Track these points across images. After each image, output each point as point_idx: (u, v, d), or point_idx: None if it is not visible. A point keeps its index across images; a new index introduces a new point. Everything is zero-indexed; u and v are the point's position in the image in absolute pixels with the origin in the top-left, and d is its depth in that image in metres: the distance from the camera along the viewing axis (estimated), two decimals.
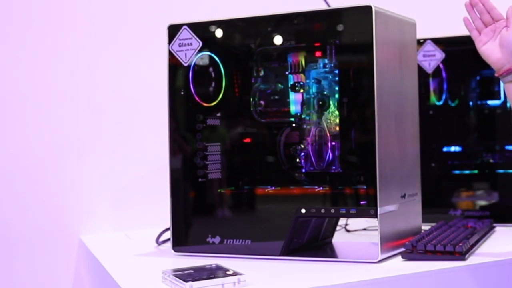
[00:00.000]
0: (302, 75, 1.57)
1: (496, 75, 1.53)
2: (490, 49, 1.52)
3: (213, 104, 1.61)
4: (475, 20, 1.56)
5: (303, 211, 1.51)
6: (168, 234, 1.64)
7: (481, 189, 1.97)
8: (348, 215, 1.51)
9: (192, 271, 1.33)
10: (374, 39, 1.45)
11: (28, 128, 1.91)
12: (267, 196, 1.58)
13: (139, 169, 2.03)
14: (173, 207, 1.62)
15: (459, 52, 2.01)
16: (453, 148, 1.99)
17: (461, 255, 1.44)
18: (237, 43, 1.61)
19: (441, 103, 1.99)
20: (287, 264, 1.49)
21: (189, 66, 1.61)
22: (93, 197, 1.98)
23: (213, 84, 1.61)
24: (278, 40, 1.57)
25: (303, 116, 1.58)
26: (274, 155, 1.58)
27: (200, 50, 1.61)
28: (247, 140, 1.62)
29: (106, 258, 1.63)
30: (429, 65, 1.97)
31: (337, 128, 1.53)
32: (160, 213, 1.76)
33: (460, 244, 1.46)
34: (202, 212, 1.62)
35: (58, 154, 1.94)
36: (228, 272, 1.31)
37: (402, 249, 1.49)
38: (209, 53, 1.61)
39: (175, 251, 1.61)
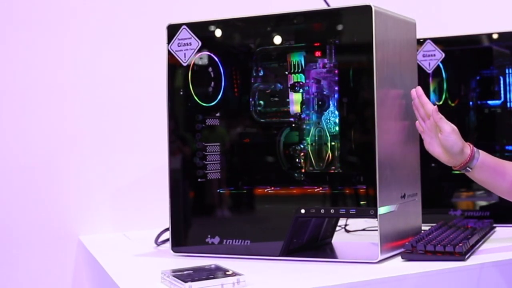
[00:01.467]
0: (301, 75, 1.57)
1: (454, 169, 1.53)
2: (437, 151, 1.52)
3: (212, 104, 1.61)
4: (420, 121, 1.54)
5: (302, 211, 1.51)
6: (167, 235, 1.64)
7: (481, 189, 1.97)
8: (347, 215, 1.50)
9: (191, 271, 1.32)
10: (374, 39, 1.45)
11: (27, 128, 1.91)
12: (267, 196, 1.58)
13: (138, 169, 2.03)
14: (172, 207, 1.61)
15: (459, 52, 2.01)
16: None
17: (461, 256, 1.43)
18: (237, 43, 1.61)
19: (441, 103, 1.99)
20: (287, 264, 1.48)
21: (188, 66, 1.61)
22: (92, 198, 1.97)
23: (212, 84, 1.61)
24: (277, 40, 1.57)
25: (302, 116, 1.57)
26: (273, 155, 1.58)
27: (199, 50, 1.60)
28: (247, 140, 1.61)
29: (105, 258, 1.63)
30: (429, 65, 1.97)
31: (337, 128, 1.53)
32: (159, 213, 1.75)
33: (460, 245, 1.45)
34: (201, 213, 1.61)
35: (57, 154, 1.94)
36: (227, 273, 1.31)
37: (402, 250, 1.48)
38: (208, 53, 1.60)
39: (174, 251, 1.60)
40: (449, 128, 1.48)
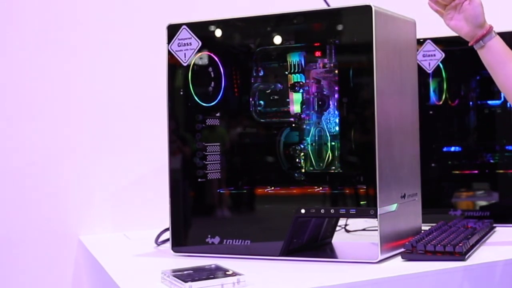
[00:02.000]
0: (301, 75, 1.57)
1: (469, 45, 1.60)
2: (458, 24, 1.59)
3: (212, 104, 1.61)
4: (438, 3, 1.60)
5: (302, 211, 1.51)
6: (168, 235, 1.64)
7: (481, 189, 1.97)
8: (348, 215, 1.50)
9: (191, 271, 1.33)
10: (374, 39, 1.45)
11: (28, 128, 1.91)
12: (267, 196, 1.58)
13: (139, 169, 2.03)
14: (173, 207, 1.61)
15: (459, 52, 2.00)
16: (453, 148, 1.99)
17: (461, 255, 1.43)
18: (237, 43, 1.61)
19: (441, 103, 1.99)
20: (287, 264, 1.48)
21: (188, 66, 1.61)
22: (93, 198, 1.97)
23: (212, 84, 1.61)
24: (277, 40, 1.57)
25: (302, 116, 1.58)
26: (273, 155, 1.58)
27: (200, 50, 1.60)
28: (247, 140, 1.61)
29: (105, 258, 1.63)
30: (429, 65, 1.97)
31: (337, 128, 1.53)
32: (159, 213, 1.75)
33: (460, 245, 1.45)
34: (201, 212, 1.61)
35: (57, 154, 1.94)
36: (227, 273, 1.31)
37: (402, 249, 1.48)
38: (208, 53, 1.60)
39: (175, 251, 1.60)
40: (478, 0, 1.57)
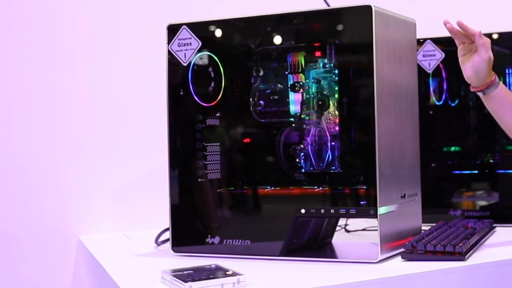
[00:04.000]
0: (301, 75, 1.57)
1: (470, 89, 1.57)
2: (465, 66, 1.56)
3: (212, 104, 1.61)
4: (459, 38, 1.58)
5: (302, 211, 1.51)
6: (168, 234, 1.64)
7: (481, 189, 1.97)
8: (348, 215, 1.50)
9: (191, 271, 1.33)
10: (374, 39, 1.45)
11: (27, 128, 1.91)
12: (267, 196, 1.58)
13: (138, 169, 2.03)
14: (173, 207, 1.61)
15: None
16: (453, 148, 1.99)
17: (461, 255, 1.43)
18: (237, 43, 1.61)
19: (441, 103, 1.99)
20: (287, 264, 1.48)
21: (188, 66, 1.61)
22: (92, 197, 1.97)
23: (212, 84, 1.61)
24: (277, 40, 1.57)
25: (302, 116, 1.58)
26: (273, 155, 1.58)
27: (200, 50, 1.60)
28: (247, 140, 1.61)
29: (105, 258, 1.63)
30: (429, 65, 1.97)
31: (337, 128, 1.53)
32: (159, 213, 1.75)
33: (460, 245, 1.45)
34: (201, 212, 1.61)
35: (58, 154, 1.94)
36: (227, 273, 1.31)
37: (402, 249, 1.48)
38: (208, 53, 1.60)
39: (175, 251, 1.60)
40: (486, 56, 1.53)
